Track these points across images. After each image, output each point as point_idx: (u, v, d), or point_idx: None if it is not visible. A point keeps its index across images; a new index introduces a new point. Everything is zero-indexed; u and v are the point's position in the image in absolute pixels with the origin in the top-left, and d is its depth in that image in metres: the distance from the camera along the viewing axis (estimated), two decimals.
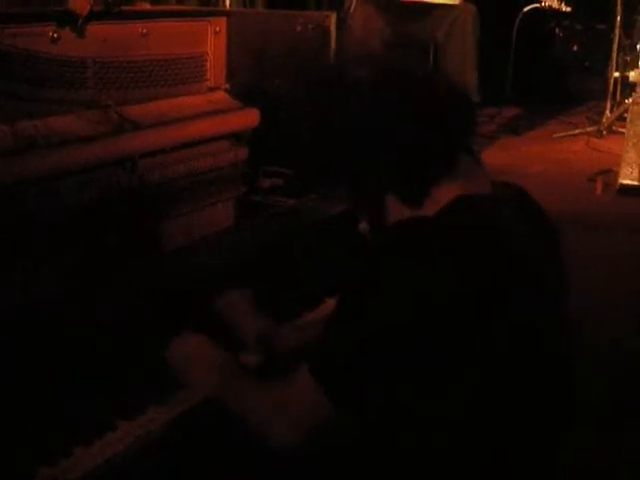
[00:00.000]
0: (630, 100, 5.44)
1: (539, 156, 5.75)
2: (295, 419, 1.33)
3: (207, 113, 2.06)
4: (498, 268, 1.29)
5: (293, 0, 4.98)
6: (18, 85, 1.67)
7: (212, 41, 2.16)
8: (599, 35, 7.26)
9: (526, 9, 6.37)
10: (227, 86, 2.19)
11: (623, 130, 5.41)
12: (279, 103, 2.06)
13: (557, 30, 7.53)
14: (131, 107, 1.89)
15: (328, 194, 2.17)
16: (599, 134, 6.18)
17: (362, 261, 1.33)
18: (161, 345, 1.57)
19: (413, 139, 1.31)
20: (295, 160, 1.76)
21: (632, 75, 5.53)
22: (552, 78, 7.38)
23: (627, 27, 6.48)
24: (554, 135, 6.31)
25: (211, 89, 2.17)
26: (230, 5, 4.84)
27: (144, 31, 1.96)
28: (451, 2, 5.43)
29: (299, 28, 2.33)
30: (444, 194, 1.33)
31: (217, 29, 2.16)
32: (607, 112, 6.31)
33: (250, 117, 2.17)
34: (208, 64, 2.16)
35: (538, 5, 6.24)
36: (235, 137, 2.15)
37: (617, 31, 6.28)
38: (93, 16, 1.78)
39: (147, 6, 2.23)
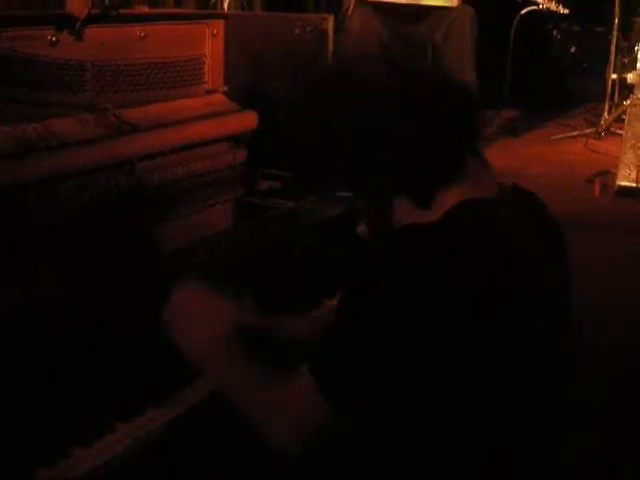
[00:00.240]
0: (628, 102, 5.46)
1: (537, 158, 5.77)
2: (295, 419, 1.33)
3: (205, 116, 2.07)
4: (497, 269, 1.30)
5: (291, 3, 4.99)
6: (17, 88, 1.67)
7: (210, 44, 2.16)
8: (597, 37, 7.28)
9: (524, 11, 6.39)
10: (225, 89, 2.19)
11: (621, 132, 5.43)
12: (277, 105, 2.07)
13: (555, 32, 7.55)
14: (129, 110, 1.89)
15: (326, 196, 2.17)
16: (597, 136, 6.20)
17: (361, 263, 1.34)
18: (161, 346, 1.57)
19: (412, 138, 1.31)
20: (293, 162, 1.76)
21: (630, 77, 5.56)
22: (550, 80, 7.40)
23: (625, 29, 6.50)
24: (552, 137, 6.32)
25: (209, 92, 2.17)
26: (228, 8, 4.86)
27: (142, 34, 1.96)
28: (449, 4, 5.44)
29: (297, 31, 2.33)
30: (450, 198, 1.34)
31: (215, 32, 2.17)
32: (605, 114, 6.33)
33: (248, 119, 2.18)
34: (206, 67, 2.16)
35: (536, 7, 6.25)
36: (233, 139, 2.16)
37: (615, 33, 6.30)
38: (91, 19, 1.78)
39: (145, 9, 2.23)
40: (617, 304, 3.50)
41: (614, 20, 6.23)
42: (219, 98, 2.17)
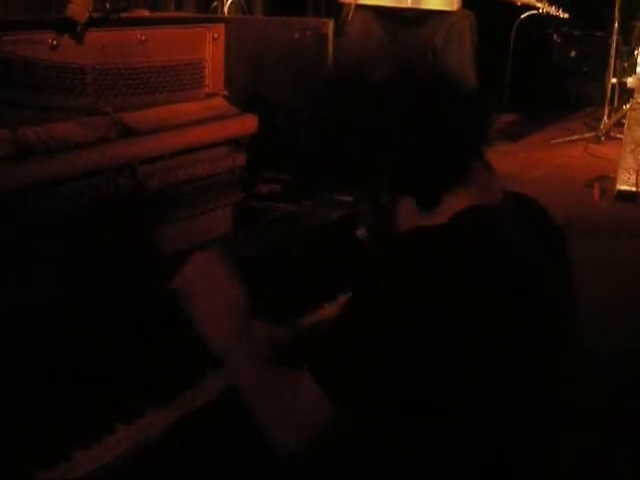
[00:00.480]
0: (628, 106, 5.46)
1: (537, 162, 5.77)
2: (298, 422, 1.33)
3: (205, 119, 2.07)
4: (499, 273, 1.30)
5: (291, 7, 5.00)
6: (18, 92, 1.68)
7: (210, 47, 2.17)
8: (597, 41, 7.28)
9: (524, 15, 6.39)
10: (225, 92, 2.20)
11: (621, 136, 5.43)
12: (277, 109, 2.07)
13: (555, 36, 7.55)
14: (130, 114, 1.89)
15: (326, 200, 2.18)
16: (597, 140, 6.20)
17: (361, 266, 1.34)
18: (161, 347, 1.57)
19: (412, 140, 1.32)
20: (294, 165, 1.77)
21: (630, 81, 5.56)
22: (550, 84, 7.40)
23: (625, 33, 6.51)
24: (552, 141, 6.32)
25: (209, 95, 2.18)
26: (228, 12, 4.87)
27: (143, 38, 1.96)
28: (449, 8, 5.44)
29: (297, 35, 2.34)
30: (456, 203, 1.34)
31: (215, 35, 2.17)
32: (605, 118, 6.33)
33: (248, 123, 2.18)
34: (206, 70, 2.17)
35: (536, 11, 6.26)
36: (233, 143, 2.16)
37: (615, 37, 6.31)
38: (92, 23, 1.78)
39: (146, 13, 2.23)
40: (617, 308, 3.50)
41: (614, 24, 6.23)
42: (219, 102, 2.18)
